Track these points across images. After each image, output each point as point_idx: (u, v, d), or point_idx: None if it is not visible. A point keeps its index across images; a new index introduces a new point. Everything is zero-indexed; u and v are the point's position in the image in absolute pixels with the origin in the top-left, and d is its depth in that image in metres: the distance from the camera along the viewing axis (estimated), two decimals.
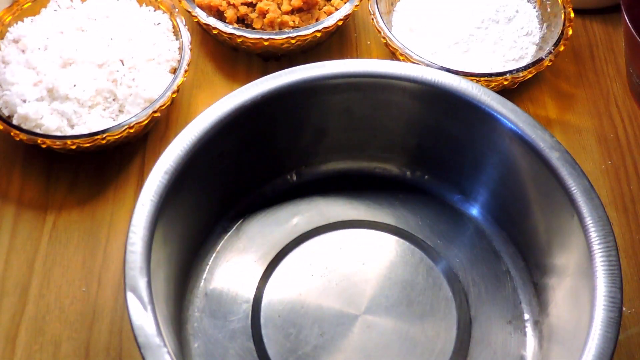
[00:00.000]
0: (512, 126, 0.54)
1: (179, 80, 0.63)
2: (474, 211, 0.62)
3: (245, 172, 0.60)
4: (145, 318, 0.45)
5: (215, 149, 0.54)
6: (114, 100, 0.63)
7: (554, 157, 0.52)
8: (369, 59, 0.58)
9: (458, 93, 0.56)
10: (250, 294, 0.57)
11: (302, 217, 0.61)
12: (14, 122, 0.61)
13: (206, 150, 0.53)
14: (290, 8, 0.69)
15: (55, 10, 0.67)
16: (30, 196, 0.63)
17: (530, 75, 0.67)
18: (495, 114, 0.55)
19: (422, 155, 0.62)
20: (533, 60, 0.67)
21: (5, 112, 0.62)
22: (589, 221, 0.50)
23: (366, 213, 0.62)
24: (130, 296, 0.46)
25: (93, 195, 0.63)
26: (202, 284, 0.58)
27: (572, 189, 0.51)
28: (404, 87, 0.57)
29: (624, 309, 0.59)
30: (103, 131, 0.60)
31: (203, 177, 0.55)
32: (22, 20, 0.66)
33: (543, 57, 0.67)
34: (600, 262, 0.49)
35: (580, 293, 0.50)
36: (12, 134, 0.60)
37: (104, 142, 0.61)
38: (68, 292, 0.59)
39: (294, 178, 0.62)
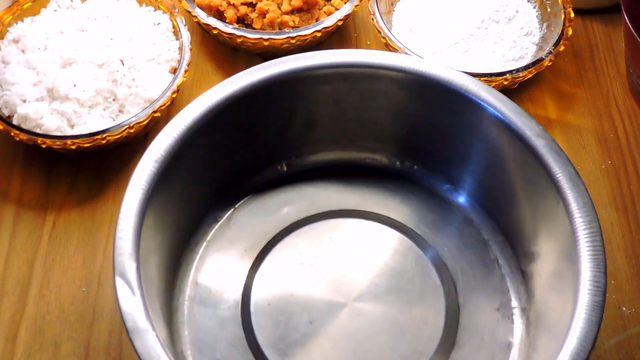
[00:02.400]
0: (499, 114, 0.55)
1: (179, 80, 0.63)
2: (463, 200, 0.62)
3: (236, 162, 0.60)
4: (133, 303, 0.46)
5: (205, 138, 0.55)
6: (114, 100, 0.63)
7: (540, 145, 0.53)
8: (356, 49, 0.58)
9: (445, 82, 0.56)
10: (240, 283, 0.58)
11: (292, 207, 0.61)
12: (14, 122, 0.61)
13: (196, 140, 0.54)
14: (290, 8, 0.69)
15: (55, 10, 0.67)
16: (30, 196, 0.63)
17: (530, 75, 0.67)
18: (482, 102, 0.55)
19: (411, 145, 0.62)
20: (533, 60, 0.67)
21: (5, 112, 0.62)
22: (574, 207, 0.50)
23: (356, 203, 0.62)
24: (118, 281, 0.47)
25: (93, 195, 0.63)
26: (192, 272, 0.58)
27: (558, 175, 0.52)
28: (392, 77, 0.57)
29: (624, 308, 0.59)
30: (103, 131, 0.60)
31: (193, 166, 0.55)
32: (22, 20, 0.66)
33: (543, 57, 0.67)
34: (586, 247, 0.49)
35: (565, 279, 0.51)
36: (12, 134, 0.60)
37: (104, 142, 0.61)
38: (68, 292, 0.59)
39: (284, 168, 0.63)
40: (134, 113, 0.62)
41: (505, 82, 0.66)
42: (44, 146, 0.61)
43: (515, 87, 0.69)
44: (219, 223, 0.60)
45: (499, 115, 0.54)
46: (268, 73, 0.56)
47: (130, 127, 0.61)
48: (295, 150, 0.62)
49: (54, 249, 0.61)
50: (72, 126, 0.62)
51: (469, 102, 0.56)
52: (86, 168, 0.65)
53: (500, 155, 0.56)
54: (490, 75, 0.66)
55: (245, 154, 0.60)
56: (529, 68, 0.66)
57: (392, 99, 0.58)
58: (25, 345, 0.56)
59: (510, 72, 0.66)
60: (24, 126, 0.61)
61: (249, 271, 0.58)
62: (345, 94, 0.58)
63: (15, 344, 0.56)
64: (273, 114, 0.58)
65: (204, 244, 0.59)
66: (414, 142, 0.62)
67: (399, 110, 0.59)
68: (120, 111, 0.63)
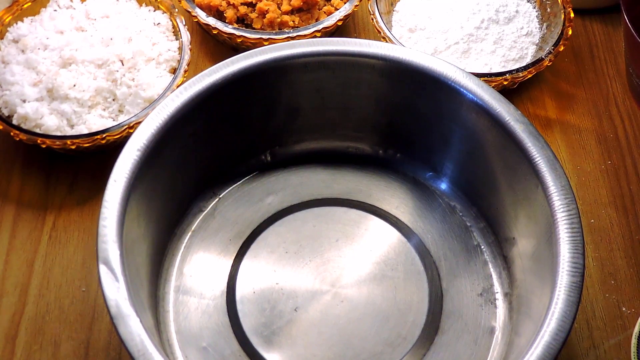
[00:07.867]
0: (478, 100, 0.55)
1: (178, 80, 0.64)
2: (445, 187, 0.63)
3: (220, 152, 0.60)
4: (117, 289, 0.46)
5: (188, 127, 0.55)
6: (113, 100, 0.63)
7: (519, 129, 0.53)
8: (337, 38, 0.58)
9: (424, 69, 0.56)
10: (225, 272, 0.58)
11: (276, 196, 0.62)
12: (14, 122, 0.61)
13: (179, 129, 0.54)
14: (290, 8, 0.69)
15: (55, 10, 0.67)
16: (30, 196, 0.63)
17: (530, 75, 0.67)
18: (461, 88, 0.56)
19: (393, 134, 0.63)
20: (533, 60, 0.67)
21: (5, 112, 0.62)
22: (552, 190, 0.51)
23: (339, 191, 0.63)
24: (102, 268, 0.47)
25: (93, 195, 0.63)
26: (178, 262, 0.59)
27: (537, 159, 0.52)
28: (372, 65, 0.57)
29: (623, 309, 0.59)
30: (103, 131, 0.61)
31: (177, 156, 0.56)
32: (22, 20, 0.66)
33: (543, 57, 0.67)
34: (564, 229, 0.49)
35: (546, 262, 0.51)
36: (12, 134, 0.60)
37: (104, 142, 0.61)
38: (68, 292, 0.59)
39: (269, 158, 0.63)
40: (133, 113, 0.62)
41: (505, 82, 0.66)
42: (43, 146, 0.61)
43: (515, 87, 0.69)
44: (204, 213, 0.61)
45: (478, 100, 0.55)
46: (249, 62, 0.56)
47: (130, 127, 0.61)
48: (279, 140, 0.63)
49: (54, 249, 0.61)
50: (71, 126, 0.62)
51: (448, 89, 0.56)
52: (86, 168, 0.65)
53: (480, 140, 0.57)
54: (490, 75, 0.66)
55: (229, 143, 0.60)
56: (528, 68, 0.66)
57: (373, 87, 0.59)
58: (25, 345, 0.56)
59: (510, 72, 0.66)
60: (23, 126, 0.61)
61: (234, 260, 0.59)
62: (326, 82, 0.59)
63: (15, 343, 0.56)
64: (256, 103, 0.59)
65: (189, 233, 0.60)
66: (396, 130, 0.62)
67: (380, 98, 0.60)
68: (120, 111, 0.63)
